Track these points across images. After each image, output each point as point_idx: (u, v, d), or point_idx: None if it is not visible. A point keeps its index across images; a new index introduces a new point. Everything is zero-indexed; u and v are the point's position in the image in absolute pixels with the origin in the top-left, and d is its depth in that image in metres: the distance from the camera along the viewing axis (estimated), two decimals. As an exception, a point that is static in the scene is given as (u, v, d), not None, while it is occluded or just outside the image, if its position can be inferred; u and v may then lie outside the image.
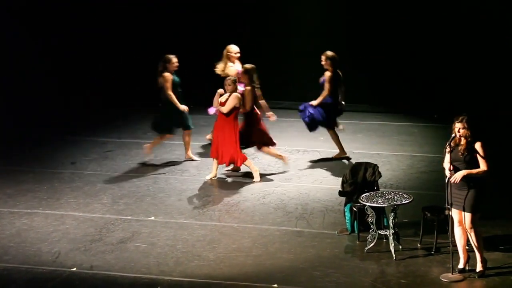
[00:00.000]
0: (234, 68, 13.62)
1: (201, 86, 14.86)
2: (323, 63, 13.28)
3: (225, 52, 13.73)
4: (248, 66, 12.76)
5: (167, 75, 13.12)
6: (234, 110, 12.38)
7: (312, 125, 13.44)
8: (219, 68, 13.65)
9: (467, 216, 9.01)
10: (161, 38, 17.59)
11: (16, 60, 17.44)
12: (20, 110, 16.86)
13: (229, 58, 13.71)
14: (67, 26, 17.97)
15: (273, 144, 12.82)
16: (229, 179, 12.73)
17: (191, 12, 17.58)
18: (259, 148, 12.80)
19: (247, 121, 12.65)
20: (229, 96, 12.34)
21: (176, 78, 13.23)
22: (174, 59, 13.16)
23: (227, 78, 12.58)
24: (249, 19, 17.37)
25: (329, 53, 13.33)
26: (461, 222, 9.14)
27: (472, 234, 9.06)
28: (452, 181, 8.96)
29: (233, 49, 13.78)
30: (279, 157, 12.91)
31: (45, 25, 17.84)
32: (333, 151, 13.74)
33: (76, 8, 17.93)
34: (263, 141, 12.71)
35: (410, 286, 9.05)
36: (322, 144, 14.24)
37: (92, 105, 17.24)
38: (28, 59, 17.59)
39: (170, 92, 13.08)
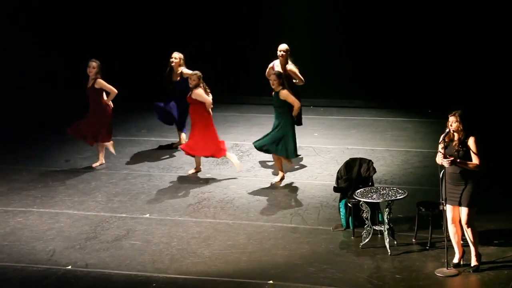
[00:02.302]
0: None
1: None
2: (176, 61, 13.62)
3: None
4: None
5: None
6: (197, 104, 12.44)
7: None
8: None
9: (464, 210, 9.02)
10: (154, 36, 17.62)
11: (8, 58, 17.42)
12: (14, 108, 16.85)
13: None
14: (61, 25, 17.97)
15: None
16: (223, 176, 12.73)
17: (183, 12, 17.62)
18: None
19: None
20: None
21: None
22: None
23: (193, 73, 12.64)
24: (239, 18, 17.40)
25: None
26: (455, 218, 9.16)
27: (469, 229, 9.07)
28: (445, 164, 8.93)
29: (279, 47, 13.17)
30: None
31: (39, 24, 17.82)
32: (330, 147, 13.76)
33: (69, 5, 17.94)
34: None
35: (405, 281, 9.06)
36: (316, 140, 14.25)
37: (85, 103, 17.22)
38: (20, 57, 17.58)
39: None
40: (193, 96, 12.42)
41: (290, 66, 13.03)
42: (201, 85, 12.47)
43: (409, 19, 16.44)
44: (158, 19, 17.69)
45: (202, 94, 12.42)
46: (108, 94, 13.14)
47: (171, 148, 14.18)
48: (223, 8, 17.41)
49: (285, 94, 12.00)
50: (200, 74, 12.56)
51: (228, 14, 17.42)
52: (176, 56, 13.72)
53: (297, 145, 12.23)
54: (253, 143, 12.26)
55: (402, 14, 16.48)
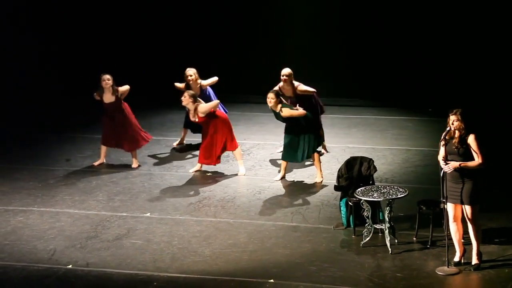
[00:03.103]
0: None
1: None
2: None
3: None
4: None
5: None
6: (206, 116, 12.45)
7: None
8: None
9: (468, 208, 9.01)
10: (154, 36, 17.63)
11: (8, 58, 17.42)
12: (14, 108, 16.86)
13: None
14: (60, 25, 17.98)
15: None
16: (224, 175, 12.73)
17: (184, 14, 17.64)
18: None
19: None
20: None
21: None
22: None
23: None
24: (239, 18, 17.40)
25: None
26: (456, 216, 9.15)
27: (473, 226, 9.06)
28: (446, 170, 8.96)
29: (282, 71, 12.99)
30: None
31: (37, 24, 17.83)
32: (331, 145, 13.75)
33: (70, 5, 17.96)
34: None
35: (406, 279, 9.06)
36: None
37: (85, 102, 17.23)
38: (20, 57, 17.58)
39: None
40: (201, 115, 12.37)
41: (301, 87, 12.89)
42: (197, 101, 12.45)
43: (409, 18, 16.45)
44: (158, 19, 17.71)
45: (206, 107, 12.40)
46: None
47: (173, 147, 14.16)
48: (223, 8, 17.42)
49: (287, 113, 12.00)
50: (192, 92, 12.59)
51: (228, 14, 17.43)
52: (191, 73, 13.65)
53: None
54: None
55: (402, 13, 16.50)
